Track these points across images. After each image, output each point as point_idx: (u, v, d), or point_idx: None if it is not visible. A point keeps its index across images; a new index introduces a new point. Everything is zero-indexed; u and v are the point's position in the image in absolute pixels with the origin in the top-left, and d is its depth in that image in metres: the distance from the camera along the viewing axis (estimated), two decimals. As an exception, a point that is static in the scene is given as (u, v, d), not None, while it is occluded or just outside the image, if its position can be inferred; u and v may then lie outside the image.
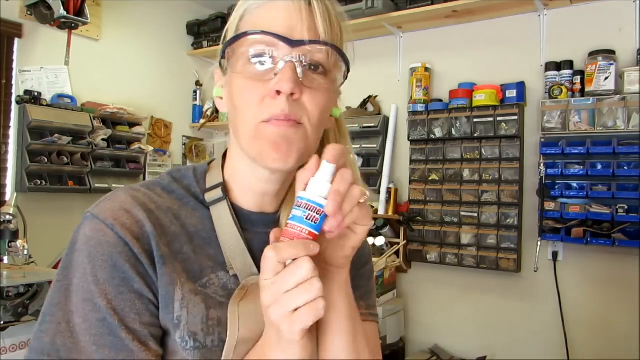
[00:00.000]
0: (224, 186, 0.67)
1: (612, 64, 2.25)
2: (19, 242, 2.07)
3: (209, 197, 0.66)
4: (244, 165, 0.66)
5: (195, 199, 0.66)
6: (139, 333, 0.56)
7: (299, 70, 0.58)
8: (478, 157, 2.59)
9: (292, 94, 0.57)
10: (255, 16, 0.60)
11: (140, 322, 0.57)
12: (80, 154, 2.82)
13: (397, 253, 2.77)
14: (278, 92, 0.57)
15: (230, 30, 0.64)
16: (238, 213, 0.67)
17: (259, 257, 0.57)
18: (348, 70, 0.64)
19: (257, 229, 0.67)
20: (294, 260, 0.52)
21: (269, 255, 0.52)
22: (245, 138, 0.60)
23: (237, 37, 0.60)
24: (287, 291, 0.51)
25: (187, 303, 0.59)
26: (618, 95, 2.23)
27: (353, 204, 0.54)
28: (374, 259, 2.69)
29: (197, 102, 3.66)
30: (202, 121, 3.64)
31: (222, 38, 0.66)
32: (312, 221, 0.53)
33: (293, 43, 0.57)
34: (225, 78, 0.65)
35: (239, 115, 0.60)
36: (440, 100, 2.77)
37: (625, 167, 2.23)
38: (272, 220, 0.69)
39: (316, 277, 0.51)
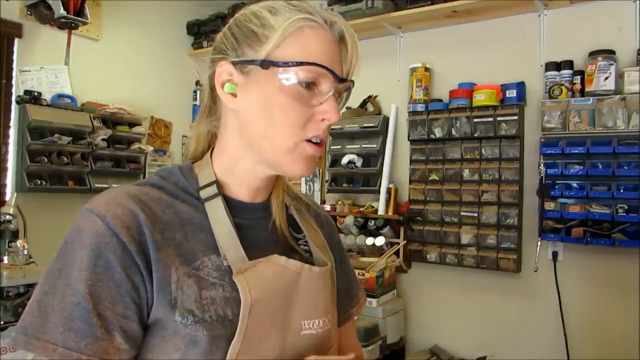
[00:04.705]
0: (217, 183, 0.71)
1: (612, 64, 2.25)
2: (19, 242, 2.07)
3: (203, 194, 0.70)
4: (245, 165, 0.71)
5: (184, 192, 0.70)
6: (107, 321, 0.59)
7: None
8: (478, 157, 2.59)
9: None
10: (302, 41, 0.65)
11: (112, 311, 0.59)
12: (80, 154, 2.81)
13: (397, 253, 2.77)
14: (323, 119, 0.67)
15: (269, 42, 0.65)
16: (230, 202, 0.72)
17: (248, 239, 0.69)
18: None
19: (247, 215, 0.73)
20: None
21: None
22: (279, 149, 0.67)
23: (302, 64, 0.64)
24: None
25: (182, 284, 0.63)
26: (618, 95, 2.23)
27: None
28: (374, 259, 2.70)
29: (197, 102, 3.65)
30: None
31: (249, 41, 0.67)
32: None
33: (340, 80, 0.67)
34: (251, 83, 0.67)
35: (279, 129, 0.66)
36: (440, 100, 2.77)
37: (625, 167, 2.23)
38: (261, 207, 0.76)
39: None
